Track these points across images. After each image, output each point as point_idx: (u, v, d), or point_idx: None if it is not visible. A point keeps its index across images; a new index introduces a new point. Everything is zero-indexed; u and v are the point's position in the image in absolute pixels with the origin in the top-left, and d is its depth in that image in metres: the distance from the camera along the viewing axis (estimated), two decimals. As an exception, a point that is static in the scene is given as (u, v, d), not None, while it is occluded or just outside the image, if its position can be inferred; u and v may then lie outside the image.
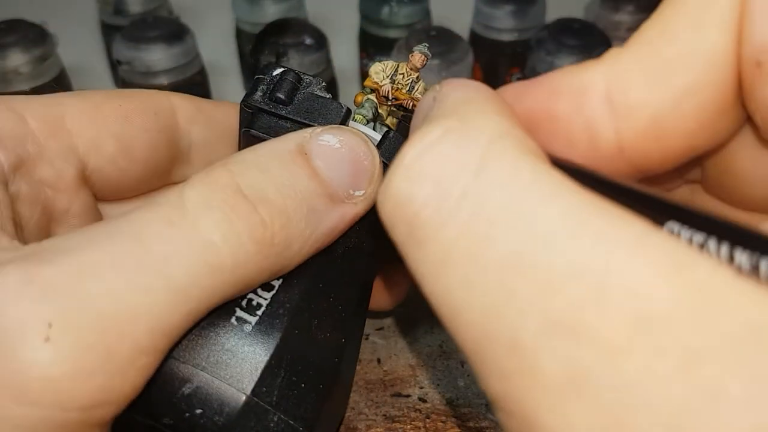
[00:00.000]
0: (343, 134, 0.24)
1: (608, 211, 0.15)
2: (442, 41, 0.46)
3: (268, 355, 0.22)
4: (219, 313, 0.23)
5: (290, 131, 0.26)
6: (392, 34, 0.52)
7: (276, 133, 0.26)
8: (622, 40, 0.51)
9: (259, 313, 0.23)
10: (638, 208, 0.16)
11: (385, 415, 0.31)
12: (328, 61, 0.48)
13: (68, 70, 0.50)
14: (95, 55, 0.61)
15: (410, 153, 0.18)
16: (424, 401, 0.31)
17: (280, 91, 0.27)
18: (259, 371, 0.22)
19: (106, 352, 0.18)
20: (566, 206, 0.15)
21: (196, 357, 0.22)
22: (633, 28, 0.50)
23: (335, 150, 0.24)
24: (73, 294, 0.18)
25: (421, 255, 0.17)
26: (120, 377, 0.19)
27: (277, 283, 0.24)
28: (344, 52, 0.58)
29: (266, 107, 0.27)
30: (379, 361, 0.33)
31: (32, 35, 0.46)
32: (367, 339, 0.34)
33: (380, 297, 0.33)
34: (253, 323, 0.23)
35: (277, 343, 0.23)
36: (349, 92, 0.56)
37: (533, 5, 0.52)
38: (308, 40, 0.46)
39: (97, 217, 0.29)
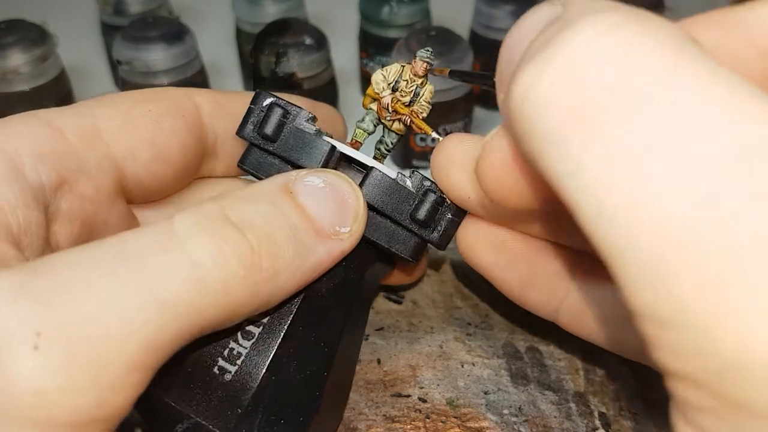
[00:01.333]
0: (327, 175, 0.25)
1: None
2: (442, 41, 0.46)
3: (246, 400, 0.24)
4: (204, 360, 0.25)
5: (277, 167, 0.28)
6: (392, 34, 0.52)
7: (264, 170, 0.28)
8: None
9: (239, 362, 0.25)
10: None
11: (385, 416, 0.31)
12: (328, 61, 0.48)
13: (68, 70, 0.50)
14: (95, 55, 0.61)
15: (587, 29, 0.16)
16: (424, 401, 0.32)
17: (266, 127, 0.28)
18: (238, 414, 0.24)
19: (98, 366, 0.18)
20: None
21: (186, 400, 0.24)
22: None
23: (320, 189, 0.25)
24: (64, 305, 0.18)
25: (588, 147, 0.15)
26: (112, 393, 0.18)
27: (257, 331, 0.25)
28: (344, 52, 0.58)
29: (255, 142, 0.28)
30: (379, 361, 0.33)
31: (32, 35, 0.46)
32: (367, 339, 0.34)
33: (400, 277, 0.34)
34: (233, 372, 0.25)
35: (253, 391, 0.24)
36: (349, 92, 0.56)
37: (533, 5, 0.51)
38: (308, 40, 0.46)
39: (134, 223, 0.29)
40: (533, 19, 0.20)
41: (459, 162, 0.26)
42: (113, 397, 0.18)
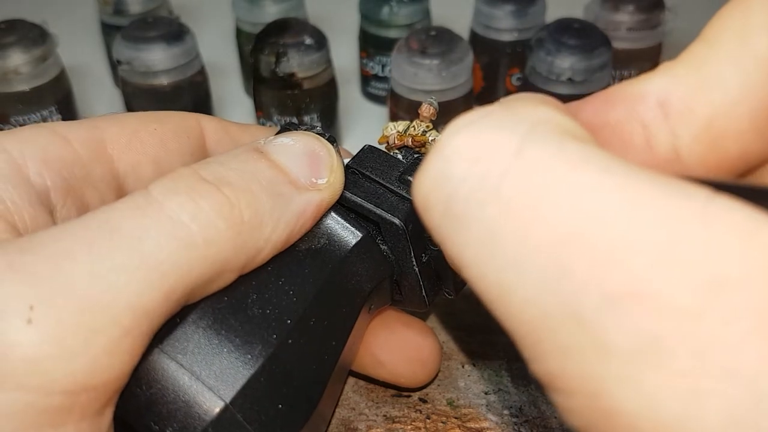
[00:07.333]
0: (297, 135, 0.26)
1: (666, 182, 0.15)
2: (442, 41, 0.46)
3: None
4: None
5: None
6: (392, 34, 0.52)
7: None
8: (622, 40, 0.51)
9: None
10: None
11: (385, 416, 0.31)
12: (328, 61, 0.48)
13: (68, 70, 0.50)
14: (95, 55, 0.61)
15: (446, 133, 0.18)
16: (425, 402, 0.31)
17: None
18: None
19: (89, 332, 0.18)
20: (620, 181, 0.15)
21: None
22: (633, 28, 0.50)
23: (290, 146, 0.25)
24: (52, 277, 0.19)
25: (463, 237, 0.17)
26: (105, 359, 0.19)
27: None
28: (344, 52, 0.58)
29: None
30: (379, 361, 0.33)
31: (32, 35, 0.46)
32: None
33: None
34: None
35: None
36: (349, 92, 0.56)
37: (533, 5, 0.51)
38: (308, 40, 0.46)
39: None
40: None
41: None
42: (106, 363, 0.19)
